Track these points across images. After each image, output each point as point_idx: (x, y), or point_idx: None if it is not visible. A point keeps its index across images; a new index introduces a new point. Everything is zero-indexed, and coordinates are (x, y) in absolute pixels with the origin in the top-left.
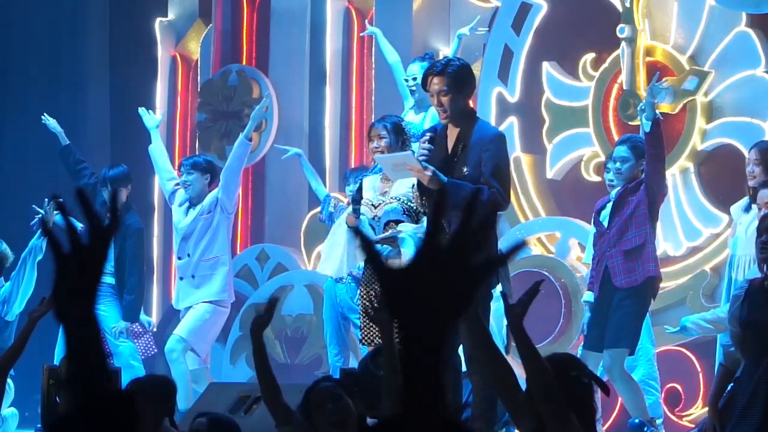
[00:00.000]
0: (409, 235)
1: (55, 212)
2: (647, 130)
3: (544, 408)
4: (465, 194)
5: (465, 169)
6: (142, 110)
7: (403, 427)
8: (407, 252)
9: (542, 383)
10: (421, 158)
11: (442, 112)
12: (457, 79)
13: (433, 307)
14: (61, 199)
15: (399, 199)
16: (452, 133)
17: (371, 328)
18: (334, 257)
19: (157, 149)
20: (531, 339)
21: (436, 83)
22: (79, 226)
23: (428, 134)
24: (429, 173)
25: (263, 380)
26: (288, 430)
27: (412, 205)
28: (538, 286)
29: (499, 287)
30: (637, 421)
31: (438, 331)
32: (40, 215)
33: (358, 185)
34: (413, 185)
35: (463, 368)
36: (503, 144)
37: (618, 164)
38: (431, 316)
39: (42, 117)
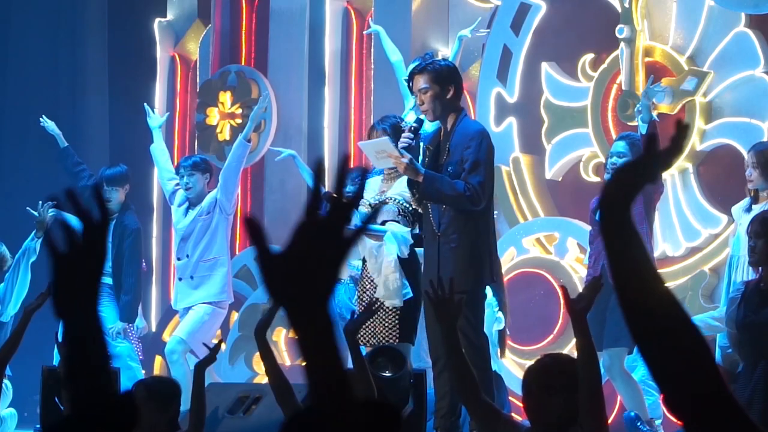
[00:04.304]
0: (394, 234)
1: (51, 211)
2: (644, 132)
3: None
4: (439, 186)
5: (449, 168)
6: (147, 107)
7: (314, 415)
8: (390, 251)
9: (593, 378)
10: (401, 146)
11: (424, 110)
12: (437, 77)
13: (307, 281)
14: (56, 200)
15: (395, 200)
16: (442, 131)
17: (369, 329)
18: None
19: (159, 149)
20: (592, 337)
21: (418, 81)
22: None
23: (413, 125)
24: (405, 160)
25: (274, 380)
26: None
27: (407, 206)
28: (599, 281)
29: (489, 293)
30: (633, 414)
31: (315, 306)
32: (36, 217)
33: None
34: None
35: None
36: (484, 140)
37: (615, 158)
38: (307, 290)
39: (40, 119)
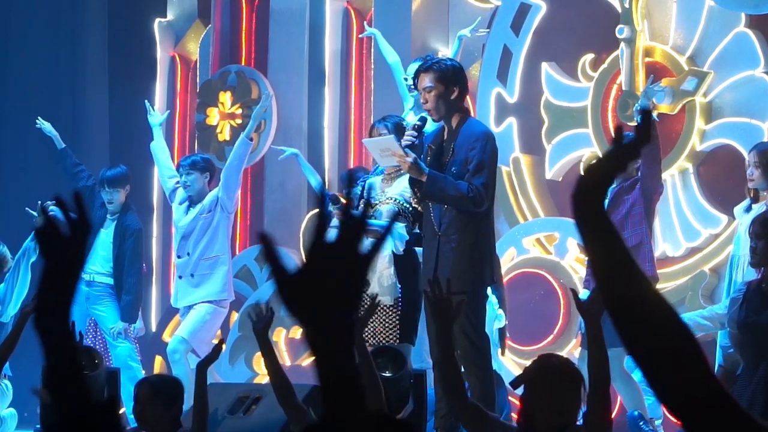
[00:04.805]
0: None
1: (51, 210)
2: None
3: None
4: (443, 186)
5: (453, 168)
6: (147, 104)
7: (328, 429)
8: (385, 246)
9: (603, 380)
10: (404, 144)
11: (427, 109)
12: (442, 76)
13: (328, 302)
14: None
15: (395, 200)
16: (446, 130)
17: (370, 329)
18: None
19: (159, 146)
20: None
21: (423, 79)
22: None
23: (417, 123)
24: (410, 159)
25: (275, 380)
26: (301, 428)
27: (407, 206)
28: None
29: (489, 291)
30: (636, 413)
31: (337, 324)
32: (35, 217)
33: (362, 187)
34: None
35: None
36: (489, 142)
37: None
38: (328, 311)
39: (37, 121)
